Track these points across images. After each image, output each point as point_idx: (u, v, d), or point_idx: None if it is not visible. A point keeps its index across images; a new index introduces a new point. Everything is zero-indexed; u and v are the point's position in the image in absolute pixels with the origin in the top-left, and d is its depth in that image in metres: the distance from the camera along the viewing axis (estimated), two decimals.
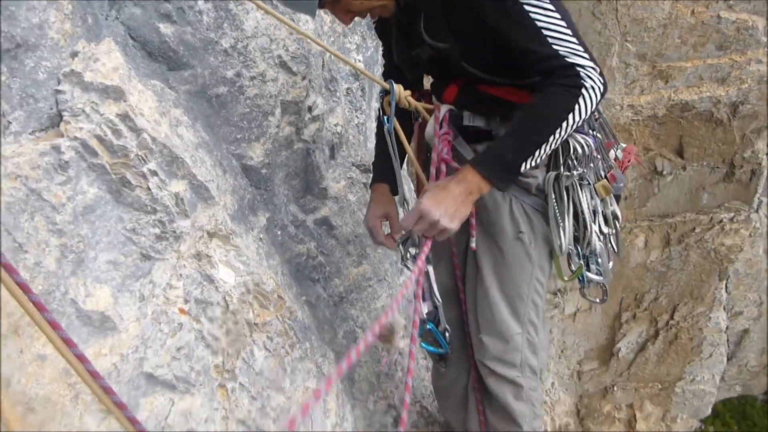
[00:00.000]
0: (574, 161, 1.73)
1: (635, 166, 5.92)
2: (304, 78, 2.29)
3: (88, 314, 1.60)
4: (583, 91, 1.51)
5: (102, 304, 1.64)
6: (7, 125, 1.54)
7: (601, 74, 1.53)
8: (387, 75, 2.11)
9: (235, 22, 2.05)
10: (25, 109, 1.57)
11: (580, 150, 1.72)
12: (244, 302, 1.95)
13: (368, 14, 1.71)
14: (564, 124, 1.54)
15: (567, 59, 1.50)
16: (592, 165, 1.78)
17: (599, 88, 1.53)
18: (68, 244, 1.60)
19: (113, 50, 1.74)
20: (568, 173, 1.73)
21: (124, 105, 1.68)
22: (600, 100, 1.55)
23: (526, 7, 1.49)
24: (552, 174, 1.75)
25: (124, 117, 1.68)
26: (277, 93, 2.19)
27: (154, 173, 1.75)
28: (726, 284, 6.17)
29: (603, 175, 1.80)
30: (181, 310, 1.79)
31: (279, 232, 2.34)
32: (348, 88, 2.99)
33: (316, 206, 2.53)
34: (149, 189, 1.75)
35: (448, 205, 1.57)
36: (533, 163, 1.59)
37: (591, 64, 1.53)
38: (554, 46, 1.50)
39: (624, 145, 1.92)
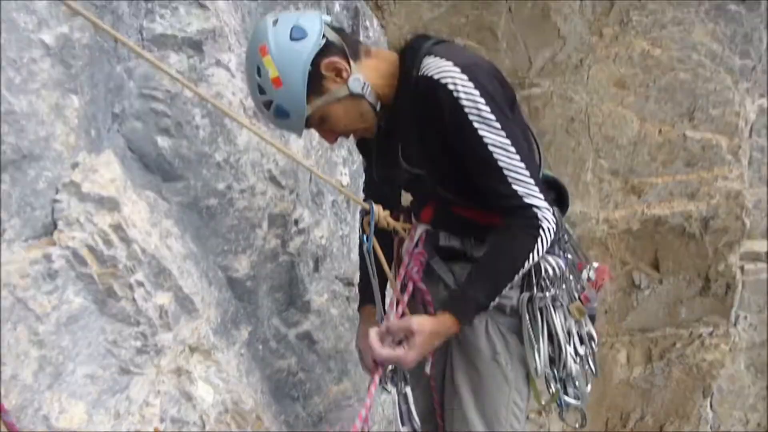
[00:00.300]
0: (547, 282, 1.77)
1: (612, 280, 6.00)
2: (292, 192, 2.36)
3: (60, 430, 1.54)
4: (541, 232, 1.63)
5: (75, 421, 1.58)
6: (2, 233, 1.55)
7: (553, 214, 1.65)
8: (367, 189, 2.18)
9: (229, 137, 2.14)
10: (22, 217, 1.59)
11: (551, 271, 1.77)
12: (222, 422, 1.89)
13: (351, 135, 1.81)
14: (525, 263, 1.66)
15: (525, 200, 1.62)
16: (564, 286, 1.82)
17: (553, 228, 1.65)
18: (48, 355, 1.56)
19: (112, 162, 1.79)
20: (541, 294, 1.77)
21: (117, 215, 1.71)
22: (553, 238, 1.67)
23: (490, 148, 1.60)
24: (525, 295, 1.79)
25: (117, 227, 1.70)
26: (266, 206, 2.24)
27: (141, 284, 1.75)
28: (711, 402, 6.09)
29: (576, 296, 1.84)
30: (156, 430, 1.73)
31: (260, 347, 2.31)
32: (333, 200, 3.06)
33: (299, 320, 2.52)
34: (135, 300, 1.74)
35: (422, 351, 1.64)
36: (497, 301, 1.70)
37: (545, 204, 1.64)
38: (513, 186, 1.62)
39: (596, 265, 1.97)
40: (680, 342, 6.29)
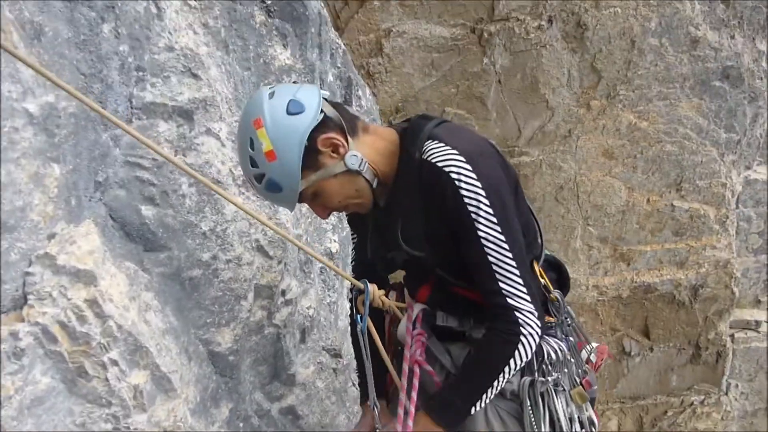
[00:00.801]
0: (549, 367, 1.71)
1: (610, 357, 5.91)
2: (280, 262, 2.29)
3: None
4: (522, 338, 1.60)
5: None
6: None
7: (539, 317, 1.62)
8: (358, 267, 2.12)
9: (217, 206, 2.08)
10: None
11: (554, 355, 1.72)
12: None
13: (345, 210, 1.76)
14: (506, 370, 1.63)
15: (508, 299, 1.59)
16: (566, 370, 1.76)
17: (536, 332, 1.62)
18: None
19: (91, 232, 1.72)
20: (543, 379, 1.71)
21: (93, 290, 1.62)
22: (538, 343, 1.64)
23: (483, 242, 1.58)
24: (527, 379, 1.72)
25: (92, 302, 1.62)
26: (252, 277, 2.16)
27: (115, 363, 1.65)
28: None
29: (578, 381, 1.77)
30: None
31: (241, 424, 2.18)
32: (322, 267, 2.99)
33: (283, 393, 2.40)
34: (107, 380, 1.64)
35: None
36: (482, 405, 1.66)
37: (530, 308, 1.61)
38: (500, 283, 1.59)
39: (596, 345, 1.92)
40: (672, 410, 6.17)
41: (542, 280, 1.78)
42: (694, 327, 5.85)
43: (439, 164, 1.57)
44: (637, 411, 6.16)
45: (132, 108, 1.92)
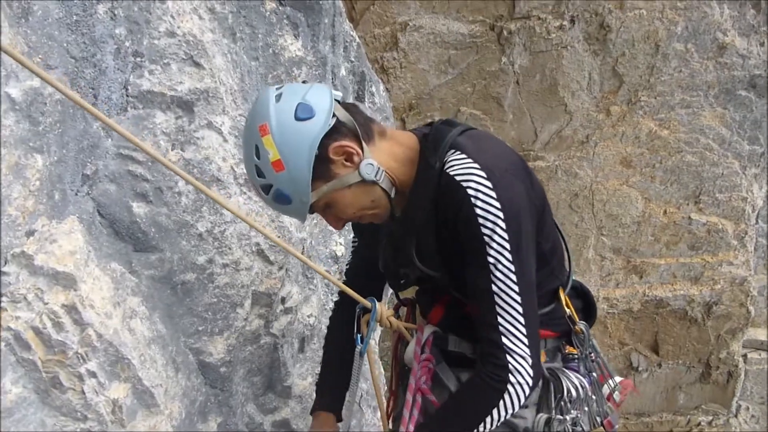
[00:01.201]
0: (568, 404, 1.56)
1: (613, 359, 5.75)
2: (281, 268, 2.14)
3: None
4: (509, 387, 1.43)
5: None
6: None
7: (533, 365, 1.44)
8: (351, 273, 1.97)
9: (215, 206, 1.93)
10: None
11: (574, 392, 1.56)
12: None
13: (360, 220, 1.60)
14: (487, 420, 1.46)
15: (503, 337, 1.42)
16: (587, 408, 1.60)
17: (527, 383, 1.44)
18: None
19: (75, 230, 1.58)
20: (561, 417, 1.55)
21: (73, 294, 1.49)
22: (529, 395, 1.46)
23: (492, 268, 1.42)
24: (543, 416, 1.57)
25: (71, 308, 1.48)
26: (250, 283, 2.02)
27: (93, 374, 1.51)
28: None
29: (599, 421, 1.61)
30: None
31: None
32: (326, 270, 2.85)
33: (277, 406, 2.26)
34: (83, 392, 1.50)
35: None
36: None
37: (524, 351, 1.43)
38: (498, 318, 1.42)
39: (619, 379, 1.75)
40: (677, 429, 6.01)
41: (567, 310, 1.62)
42: (706, 345, 5.68)
43: (458, 178, 1.41)
44: (641, 428, 6.01)
45: (127, 96, 1.77)
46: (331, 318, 2.03)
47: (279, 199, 1.47)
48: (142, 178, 1.77)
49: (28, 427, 1.46)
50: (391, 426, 1.93)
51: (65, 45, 1.51)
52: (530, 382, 1.43)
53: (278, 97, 1.44)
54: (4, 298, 1.43)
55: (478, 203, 1.38)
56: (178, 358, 1.83)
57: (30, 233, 1.48)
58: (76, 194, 1.65)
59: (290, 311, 2.25)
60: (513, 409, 1.45)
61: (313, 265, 1.68)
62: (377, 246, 1.80)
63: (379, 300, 1.86)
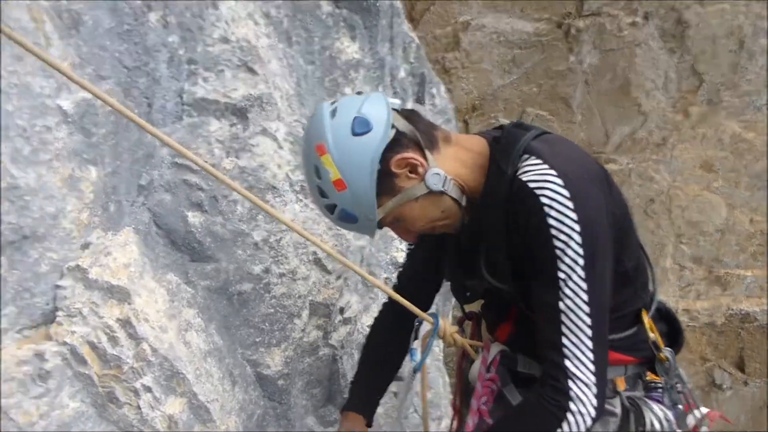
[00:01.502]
0: None
1: (694, 375, 5.40)
2: (339, 277, 2.07)
3: None
4: (568, 415, 1.29)
5: None
6: None
7: (598, 395, 1.30)
8: (404, 278, 1.87)
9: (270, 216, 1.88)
10: (18, 304, 1.36)
11: (657, 426, 1.41)
12: None
13: (431, 232, 1.50)
14: None
15: (566, 360, 1.29)
16: None
17: (589, 414, 1.30)
18: None
19: (130, 242, 1.56)
20: None
21: (127, 308, 1.46)
22: (591, 426, 1.31)
23: (562, 287, 1.29)
24: None
25: (125, 322, 1.45)
26: (307, 293, 1.96)
27: (148, 389, 1.48)
28: None
29: None
30: None
31: None
32: (387, 278, 2.76)
33: (338, 418, 2.18)
34: (139, 407, 1.47)
35: None
36: None
37: (589, 378, 1.29)
38: (563, 339, 1.30)
39: (705, 410, 1.57)
40: None
41: (652, 335, 1.46)
42: None
43: (531, 185, 1.29)
44: None
45: (182, 104, 1.75)
46: (376, 319, 1.94)
47: (345, 219, 1.40)
48: (197, 187, 1.74)
49: None
50: None
51: (117, 55, 1.50)
52: (593, 413, 1.29)
53: (333, 113, 1.36)
54: (60, 312, 1.41)
55: (552, 212, 1.26)
56: (235, 371, 1.78)
57: (85, 246, 1.47)
58: (132, 205, 1.64)
59: (349, 321, 2.18)
60: None
61: (369, 277, 1.61)
62: (437, 252, 1.70)
63: (429, 306, 1.77)
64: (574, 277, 1.27)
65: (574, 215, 1.25)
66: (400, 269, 1.94)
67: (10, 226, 1.29)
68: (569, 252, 1.26)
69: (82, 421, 1.44)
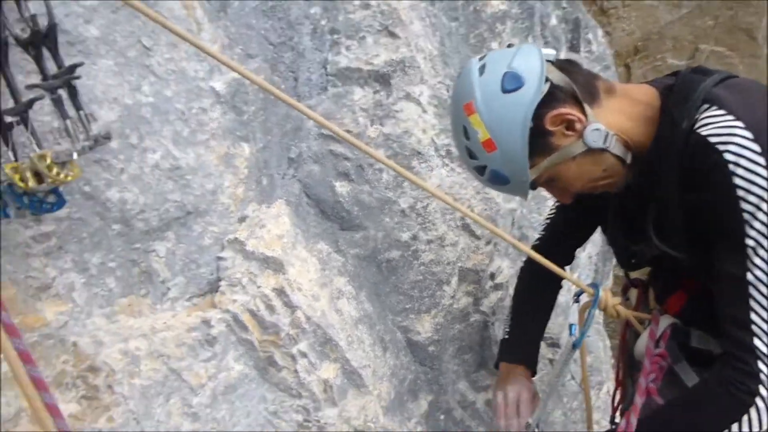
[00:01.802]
0: None
1: None
2: (488, 242, 2.01)
3: None
4: (758, 402, 1.15)
5: None
6: (165, 292, 1.45)
7: None
8: (551, 233, 1.76)
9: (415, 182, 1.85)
10: (186, 274, 1.48)
11: None
12: None
13: (591, 192, 1.39)
14: None
15: (756, 339, 1.14)
16: None
17: None
18: (201, 430, 1.43)
19: (282, 214, 1.62)
20: None
21: (282, 278, 1.53)
22: None
23: (749, 252, 1.13)
24: None
25: (280, 291, 1.52)
26: (456, 259, 1.92)
27: (304, 355, 1.55)
28: None
29: None
30: None
31: (442, 417, 2.00)
32: None
33: (490, 384, 2.16)
34: (297, 372, 1.55)
35: None
36: None
37: None
38: (752, 313, 1.15)
39: None
40: None
41: None
42: None
43: (713, 140, 1.13)
44: None
45: (327, 75, 1.76)
46: (522, 271, 1.86)
47: (495, 180, 1.33)
48: (343, 157, 1.76)
49: (251, 401, 1.55)
50: (618, 419, 1.73)
51: (263, 32, 1.53)
52: None
53: (482, 69, 1.28)
54: (222, 282, 1.51)
55: (739, 171, 1.10)
56: (386, 337, 1.81)
57: (242, 219, 1.55)
58: (283, 178, 1.70)
59: (500, 287, 2.12)
60: (758, 429, 1.17)
61: (513, 241, 1.52)
62: (591, 213, 1.57)
63: (569, 261, 1.68)
64: (766, 244, 1.11)
65: (766, 173, 1.08)
66: (545, 225, 1.85)
67: (175, 204, 1.39)
68: (760, 216, 1.10)
69: (246, 382, 1.55)
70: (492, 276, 2.10)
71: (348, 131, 1.73)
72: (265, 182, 1.61)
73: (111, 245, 1.28)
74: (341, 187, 1.78)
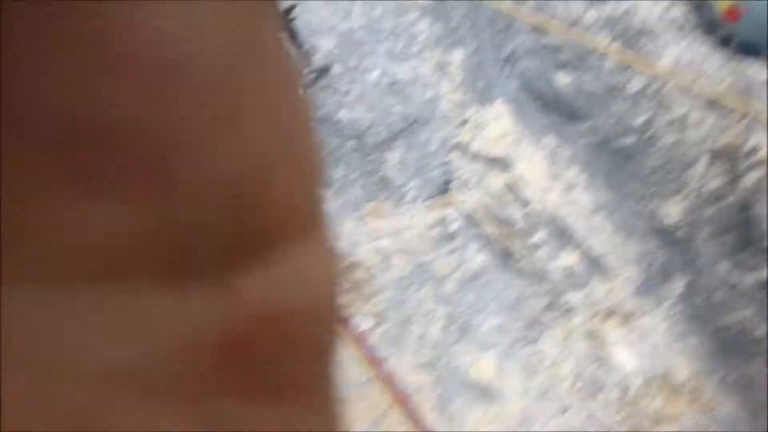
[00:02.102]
0: None
1: None
2: (743, 117, 1.78)
3: (472, 383, 1.57)
4: None
5: (486, 373, 1.58)
6: (402, 196, 1.62)
7: None
8: None
9: (647, 61, 1.72)
10: (419, 179, 1.63)
11: None
12: (647, 394, 1.63)
13: None
14: None
15: None
16: None
17: None
18: (453, 313, 1.59)
19: (502, 114, 1.66)
20: None
21: (509, 175, 1.58)
22: None
23: None
24: None
25: (510, 187, 1.58)
26: (703, 139, 1.75)
27: (542, 245, 1.60)
28: None
29: None
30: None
31: (700, 300, 1.89)
32: None
33: (757, 264, 1.95)
34: (537, 260, 1.61)
35: None
36: None
37: None
38: None
39: None
40: None
41: None
42: None
43: None
44: None
45: None
46: None
47: (745, 50, 1.20)
48: (559, 49, 1.70)
49: (495, 288, 1.66)
50: None
51: None
52: None
53: None
54: (452, 183, 1.63)
55: None
56: (628, 224, 1.76)
57: (463, 123, 1.63)
58: (499, 78, 1.72)
59: (761, 165, 1.87)
60: None
61: None
62: None
63: None
64: None
65: None
66: None
67: (399, 116, 1.53)
68: None
69: (489, 270, 1.66)
70: (748, 154, 1.86)
71: (561, 20, 1.67)
72: (482, 84, 1.66)
73: (350, 159, 1.47)
74: (561, 78, 1.73)
